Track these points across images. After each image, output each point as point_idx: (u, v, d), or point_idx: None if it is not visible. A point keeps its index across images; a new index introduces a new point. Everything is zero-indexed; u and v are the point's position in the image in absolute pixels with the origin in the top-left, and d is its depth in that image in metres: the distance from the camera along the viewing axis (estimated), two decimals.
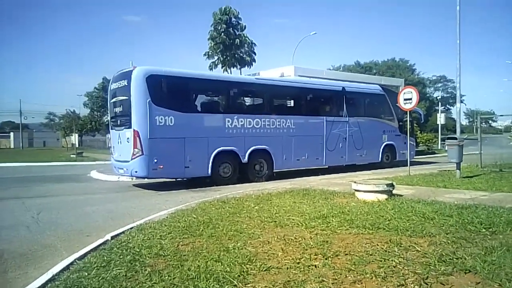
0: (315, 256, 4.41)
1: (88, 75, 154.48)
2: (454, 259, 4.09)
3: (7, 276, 4.74)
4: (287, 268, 4.08)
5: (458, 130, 15.73)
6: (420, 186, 10.13)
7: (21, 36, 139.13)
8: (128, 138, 11.53)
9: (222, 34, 27.99)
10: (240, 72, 28.99)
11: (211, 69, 29.04)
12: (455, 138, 11.78)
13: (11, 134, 74.47)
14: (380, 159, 17.23)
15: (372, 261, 4.18)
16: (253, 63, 29.82)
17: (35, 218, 8.07)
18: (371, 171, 15.64)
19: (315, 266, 4.11)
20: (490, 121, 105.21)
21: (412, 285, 3.52)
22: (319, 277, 3.77)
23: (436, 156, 26.11)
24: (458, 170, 11.54)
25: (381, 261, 4.15)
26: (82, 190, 12.70)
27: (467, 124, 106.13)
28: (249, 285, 3.72)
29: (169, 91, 11.92)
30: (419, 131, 29.37)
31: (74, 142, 37.00)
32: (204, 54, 29.25)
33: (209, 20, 28.89)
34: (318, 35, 47.00)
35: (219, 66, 29.14)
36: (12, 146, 70.06)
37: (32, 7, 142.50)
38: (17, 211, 8.96)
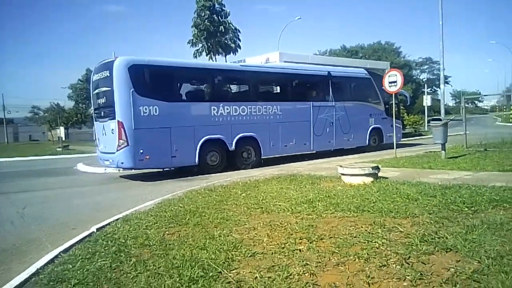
0: (300, 241, 4.43)
1: (71, 67, 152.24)
2: (436, 238, 4.15)
3: None
4: (272, 253, 4.10)
5: (442, 111, 15.88)
6: (405, 168, 10.22)
7: (1, 29, 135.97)
8: (112, 130, 11.41)
9: (206, 21, 27.65)
10: (225, 59, 28.80)
11: (195, 56, 28.78)
12: (440, 119, 11.88)
13: None
14: (367, 143, 17.33)
15: (356, 243, 4.22)
16: (238, 49, 29.62)
17: (20, 212, 8.00)
18: (359, 154, 15.74)
19: (300, 250, 4.14)
20: (476, 102, 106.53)
21: (394, 265, 3.57)
22: (303, 261, 3.79)
23: (423, 138, 26.34)
24: (443, 151, 11.67)
25: (364, 243, 4.19)
26: (68, 183, 12.59)
27: (454, 105, 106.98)
28: (233, 271, 3.73)
29: (153, 81, 11.79)
30: (406, 114, 29.59)
31: (60, 135, 36.52)
32: (188, 42, 28.93)
33: (192, 7, 28.54)
34: (303, 20, 46.93)
35: (204, 53, 28.87)
36: None
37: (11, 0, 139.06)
38: (2, 207, 8.86)
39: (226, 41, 28.92)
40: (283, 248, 4.24)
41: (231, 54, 29.39)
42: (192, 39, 28.67)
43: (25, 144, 53.74)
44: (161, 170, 13.14)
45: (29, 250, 5.42)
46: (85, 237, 5.38)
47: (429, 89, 65.30)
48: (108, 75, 11.38)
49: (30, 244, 5.71)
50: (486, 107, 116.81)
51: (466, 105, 18.13)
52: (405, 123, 28.21)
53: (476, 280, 3.15)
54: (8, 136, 67.28)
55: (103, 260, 4.27)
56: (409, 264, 3.56)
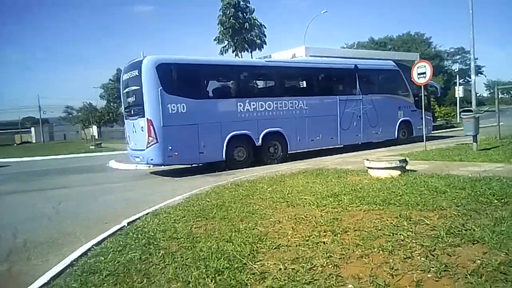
0: (324, 233, 4.47)
1: (102, 67, 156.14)
2: (463, 230, 4.10)
3: (30, 263, 4.97)
4: (296, 246, 4.16)
5: (473, 102, 15.38)
6: (435, 160, 10.03)
7: (33, 32, 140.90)
8: (142, 127, 11.70)
9: (231, 18, 27.82)
10: (251, 56, 28.88)
11: (221, 54, 29.03)
12: (471, 111, 11.55)
13: (32, 129, 76.01)
14: (396, 136, 17.04)
15: (381, 236, 4.22)
16: (264, 45, 29.69)
17: (56, 208, 8.35)
18: (387, 148, 15.52)
19: (324, 242, 4.17)
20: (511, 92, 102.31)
21: (418, 257, 3.55)
22: (326, 253, 3.83)
23: (455, 130, 25.63)
24: (474, 143, 11.35)
25: (389, 235, 4.19)
26: (101, 180, 13.00)
27: (488, 95, 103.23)
28: (258, 263, 3.81)
29: (180, 79, 11.97)
30: (436, 105, 28.81)
31: (93, 134, 37.65)
32: (214, 39, 29.21)
33: (217, 5, 28.74)
34: (330, 13, 46.34)
35: (230, 50, 29.07)
36: (34, 141, 71.59)
37: (45, 3, 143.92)
38: (39, 203, 9.27)
39: (251, 38, 29.02)
40: (307, 240, 4.29)
41: (257, 50, 29.48)
42: (218, 37, 28.92)
43: (60, 143, 55.64)
44: (190, 166, 13.37)
45: (64, 243, 5.67)
46: (116, 230, 5.59)
47: (462, 79, 63.24)
48: (137, 74, 11.65)
49: (65, 238, 5.98)
50: None
51: (502, 96, 17.56)
52: (436, 115, 27.50)
53: (503, 272, 3.11)
54: (44, 135, 69.89)
55: (133, 252, 4.44)
56: (434, 256, 3.54)
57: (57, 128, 78.21)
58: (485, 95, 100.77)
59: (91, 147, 31.46)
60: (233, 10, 27.76)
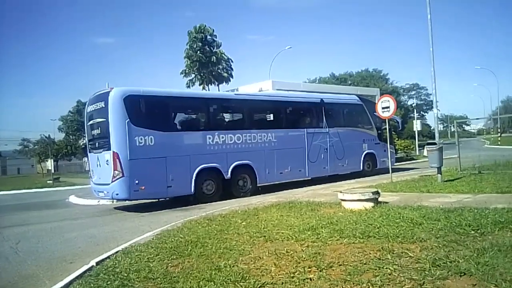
0: (309, 269, 4.34)
1: (61, 99, 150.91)
2: (448, 262, 4.09)
3: None
4: (282, 283, 4.00)
5: (437, 135, 15.99)
6: (404, 192, 10.21)
7: None
8: (107, 161, 11.28)
9: (198, 52, 28.13)
10: (218, 89, 29.10)
11: (188, 86, 29.11)
12: (435, 143, 11.97)
13: None
14: (361, 168, 17.36)
15: (367, 270, 4.13)
16: (231, 79, 30.12)
17: (14, 248, 7.75)
18: (354, 180, 15.72)
19: (310, 279, 4.04)
20: (463, 125, 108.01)
21: None
22: None
23: (415, 162, 26.52)
24: (439, 175, 11.70)
25: (375, 269, 4.11)
26: (61, 216, 12.29)
27: (442, 129, 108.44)
28: None
29: (148, 111, 11.76)
30: (397, 138, 29.80)
31: (49, 168, 36.01)
32: (181, 73, 29.31)
33: (184, 39, 28.99)
34: (293, 49, 47.73)
35: (197, 83, 29.17)
36: None
37: (4, 29, 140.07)
38: None
39: (218, 71, 29.34)
40: (292, 277, 4.14)
41: (224, 83, 29.77)
42: (185, 70, 29.05)
43: (14, 177, 52.96)
44: (157, 200, 12.95)
45: (26, 287, 5.21)
46: (84, 271, 5.20)
47: (417, 114, 66.11)
48: (103, 106, 11.34)
49: (27, 281, 5.50)
50: (473, 131, 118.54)
51: (456, 129, 18.43)
52: (396, 148, 28.39)
53: None
54: None
55: None
56: None
57: (11, 162, 74.75)
58: (439, 128, 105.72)
59: (48, 181, 30.03)
60: (200, 44, 28.09)
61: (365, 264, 4.32)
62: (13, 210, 14.61)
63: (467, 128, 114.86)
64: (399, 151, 29.65)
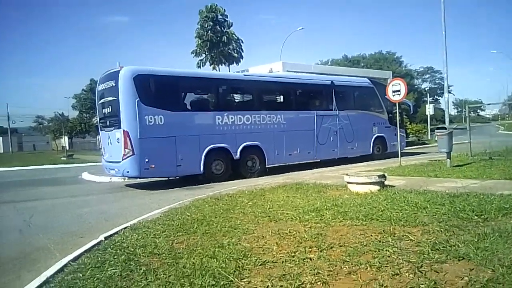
0: (310, 249, 4.42)
1: (75, 77, 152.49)
2: (448, 247, 4.13)
3: (0, 281, 4.69)
4: (282, 262, 4.09)
5: (447, 119, 15.88)
6: (411, 176, 10.20)
7: (5, 39, 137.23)
8: (118, 139, 11.44)
9: (209, 31, 27.97)
10: (229, 69, 29.01)
11: (199, 66, 29.04)
12: (445, 128, 11.86)
13: (0, 138, 73.44)
14: (371, 151, 17.31)
15: (367, 251, 4.20)
16: (241, 59, 29.96)
17: (27, 221, 8.00)
18: (363, 163, 15.71)
19: (310, 258, 4.12)
20: (478, 110, 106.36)
21: (406, 274, 3.55)
22: (314, 270, 3.78)
23: (427, 147, 26.32)
24: (448, 159, 11.64)
25: (375, 251, 4.18)
26: (74, 192, 12.59)
27: (456, 113, 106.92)
28: (244, 280, 3.72)
29: (158, 90, 11.82)
30: (409, 122, 29.54)
31: (64, 145, 36.65)
32: (192, 52, 29.21)
33: (196, 18, 28.79)
34: (305, 30, 47.21)
35: (207, 63, 29.10)
36: (1, 151, 69.13)
37: (15, 11, 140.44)
38: (9, 216, 8.88)
39: (229, 51, 29.16)
40: (293, 256, 4.23)
41: (234, 64, 29.67)
42: (196, 50, 28.94)
43: (30, 153, 53.82)
44: (167, 179, 13.14)
45: (37, 259, 5.41)
46: (93, 245, 5.36)
47: (431, 98, 65.20)
48: (114, 85, 11.44)
49: (38, 253, 5.71)
50: (488, 116, 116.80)
51: (469, 114, 18.14)
52: (408, 132, 28.17)
53: None
54: (12, 145, 67.43)
55: (113, 269, 4.26)
56: (422, 272, 3.54)
57: (26, 139, 75.72)
58: (452, 113, 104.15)
59: (62, 158, 30.58)
60: (211, 23, 27.91)
61: (365, 245, 4.39)
62: (28, 185, 14.97)
63: (482, 113, 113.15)
64: (410, 135, 29.44)
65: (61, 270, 4.45)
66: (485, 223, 4.98)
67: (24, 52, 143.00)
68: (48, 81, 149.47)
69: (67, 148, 35.06)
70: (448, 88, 17.14)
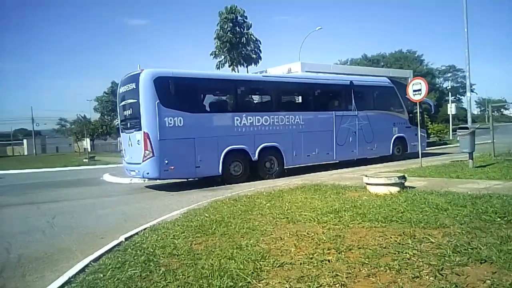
0: (328, 251, 4.40)
1: (97, 80, 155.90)
2: (469, 249, 4.06)
3: (25, 280, 4.82)
4: (301, 264, 4.08)
5: (469, 119, 15.55)
6: (432, 177, 10.03)
7: (28, 43, 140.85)
8: (138, 141, 11.62)
9: (229, 33, 28.08)
10: (247, 70, 29.07)
11: (218, 68, 29.17)
12: (467, 128, 11.63)
13: (24, 141, 75.39)
14: (391, 152, 17.09)
15: (386, 254, 4.16)
16: (260, 60, 29.91)
17: (50, 222, 8.19)
18: (383, 164, 15.54)
19: (329, 261, 4.10)
20: (502, 109, 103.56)
21: (427, 277, 3.50)
22: (332, 272, 3.76)
23: (448, 147, 25.84)
24: (470, 160, 11.40)
25: (395, 253, 4.13)
26: (95, 193, 12.82)
27: (479, 113, 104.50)
28: (263, 281, 3.73)
29: (177, 92, 11.95)
30: (430, 122, 29.06)
31: (86, 147, 37.34)
32: (211, 54, 29.40)
33: (214, 20, 29.00)
34: (324, 30, 46.95)
35: (226, 65, 29.25)
36: (25, 153, 70.94)
37: (39, 14, 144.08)
38: (32, 216, 9.09)
39: (248, 52, 29.21)
40: (311, 258, 4.21)
41: (253, 65, 29.70)
42: (215, 51, 29.11)
43: (53, 155, 55.12)
44: (186, 180, 13.26)
45: (60, 259, 5.54)
46: (114, 246, 5.46)
47: (453, 97, 63.97)
48: (134, 87, 11.62)
49: (61, 253, 5.84)
50: None
51: (492, 113, 17.74)
52: (429, 132, 27.71)
53: None
54: (36, 147, 69.17)
55: (133, 270, 4.32)
56: (442, 275, 3.49)
57: (50, 141, 77.60)
58: (475, 112, 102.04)
59: (84, 160, 31.16)
60: (230, 24, 28.02)
61: (384, 248, 4.34)
62: (51, 187, 15.31)
63: (505, 112, 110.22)
64: (431, 136, 28.97)
65: (82, 270, 4.55)
66: (508, 225, 4.86)
67: (48, 55, 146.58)
68: (71, 84, 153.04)
69: (89, 150, 35.67)
70: (471, 86, 16.78)
